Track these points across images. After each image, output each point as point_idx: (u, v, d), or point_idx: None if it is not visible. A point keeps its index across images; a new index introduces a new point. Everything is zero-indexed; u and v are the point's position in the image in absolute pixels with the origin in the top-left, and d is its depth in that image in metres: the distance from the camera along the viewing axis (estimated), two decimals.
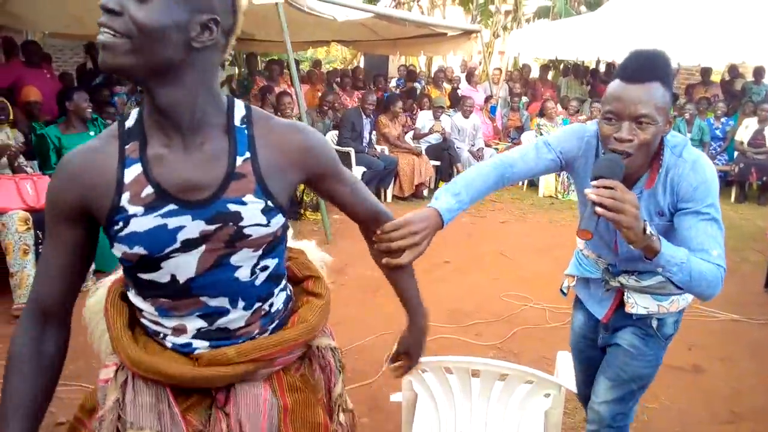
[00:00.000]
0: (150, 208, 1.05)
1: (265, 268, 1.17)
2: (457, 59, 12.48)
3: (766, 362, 3.51)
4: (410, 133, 7.94)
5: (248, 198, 1.09)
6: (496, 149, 8.21)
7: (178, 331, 1.13)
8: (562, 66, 12.10)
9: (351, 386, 3.08)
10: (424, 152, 7.72)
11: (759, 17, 7.76)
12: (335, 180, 1.26)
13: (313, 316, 1.25)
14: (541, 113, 8.22)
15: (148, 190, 1.06)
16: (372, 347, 3.49)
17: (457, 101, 8.69)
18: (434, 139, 7.82)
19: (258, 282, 1.17)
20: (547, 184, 7.76)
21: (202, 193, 1.07)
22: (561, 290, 2.13)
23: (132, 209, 1.05)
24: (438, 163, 7.68)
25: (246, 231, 1.09)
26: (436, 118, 7.85)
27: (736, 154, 7.96)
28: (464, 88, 9.77)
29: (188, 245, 1.07)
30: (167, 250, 1.07)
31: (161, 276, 1.09)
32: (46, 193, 1.10)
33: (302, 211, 6.10)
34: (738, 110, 8.80)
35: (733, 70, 10.51)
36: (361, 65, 13.51)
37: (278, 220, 1.13)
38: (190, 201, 1.07)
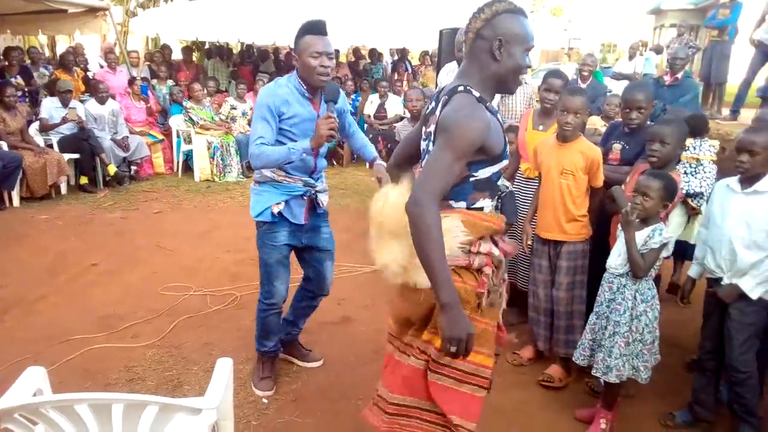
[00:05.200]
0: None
1: None
2: (94, 40, 11.24)
3: None
4: (35, 125, 6.84)
5: None
6: (154, 137, 7.74)
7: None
8: (206, 47, 11.96)
9: None
10: (56, 145, 6.76)
11: (373, 6, 8.96)
12: None
13: None
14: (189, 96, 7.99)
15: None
16: (5, 380, 2.92)
17: (91, 86, 7.84)
18: (68, 129, 6.90)
19: None
20: (203, 167, 7.63)
21: None
22: (272, 214, 2.74)
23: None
24: (77, 155, 6.82)
25: None
26: (65, 105, 6.92)
27: (366, 126, 9.06)
28: (101, 72, 8.87)
29: None
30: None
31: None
32: (465, 136, 1.69)
33: None
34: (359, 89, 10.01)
35: (357, 52, 11.91)
36: None
37: None
38: None
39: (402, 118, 7.15)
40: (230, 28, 9.34)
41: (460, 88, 1.75)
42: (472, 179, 1.79)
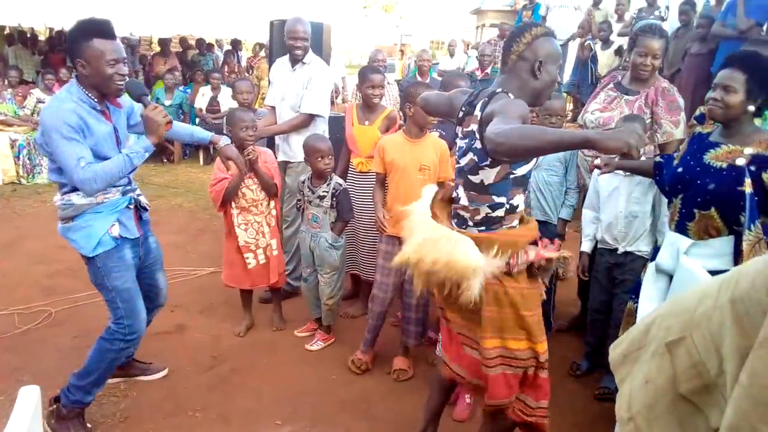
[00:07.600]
0: None
1: None
2: None
3: (239, 305, 3.94)
4: None
5: None
6: None
7: None
8: (6, 32, 10.55)
9: None
10: None
11: None
12: None
13: None
14: None
15: None
16: None
17: None
18: None
19: None
20: (6, 168, 6.73)
21: None
22: (113, 239, 2.46)
23: None
24: None
25: None
26: None
27: (197, 120, 8.60)
28: None
29: None
30: None
31: None
32: (516, 106, 1.88)
33: None
34: (192, 80, 9.48)
35: (184, 42, 11.27)
36: None
37: None
38: None
39: None
40: (35, 10, 8.33)
41: (499, 90, 1.99)
42: (511, 176, 2.00)
